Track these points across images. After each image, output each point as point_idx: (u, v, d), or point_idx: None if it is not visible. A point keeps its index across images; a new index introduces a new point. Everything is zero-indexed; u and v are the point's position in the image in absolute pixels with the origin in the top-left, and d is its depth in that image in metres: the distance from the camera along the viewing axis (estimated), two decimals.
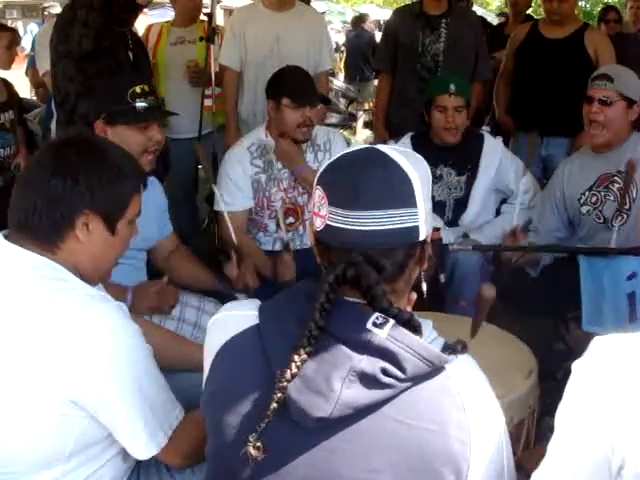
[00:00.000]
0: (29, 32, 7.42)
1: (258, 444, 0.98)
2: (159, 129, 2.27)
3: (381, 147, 1.12)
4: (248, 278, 2.55)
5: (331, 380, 0.97)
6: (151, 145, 2.25)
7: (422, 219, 1.08)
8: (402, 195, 1.07)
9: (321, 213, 1.09)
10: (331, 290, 1.03)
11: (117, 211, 1.47)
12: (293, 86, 2.88)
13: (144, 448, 1.41)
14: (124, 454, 1.49)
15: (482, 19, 4.96)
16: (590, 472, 1.07)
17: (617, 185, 2.75)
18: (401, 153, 1.11)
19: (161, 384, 1.46)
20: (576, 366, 1.10)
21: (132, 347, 1.39)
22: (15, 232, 1.42)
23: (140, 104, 2.21)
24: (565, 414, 1.10)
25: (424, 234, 1.10)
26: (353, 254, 1.05)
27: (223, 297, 2.63)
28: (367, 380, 0.98)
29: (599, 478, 1.07)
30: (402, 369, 0.98)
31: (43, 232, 1.41)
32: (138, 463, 1.56)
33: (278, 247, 3.07)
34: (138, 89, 2.22)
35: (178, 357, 1.81)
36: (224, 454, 1.07)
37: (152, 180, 2.46)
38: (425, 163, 1.15)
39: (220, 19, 7.38)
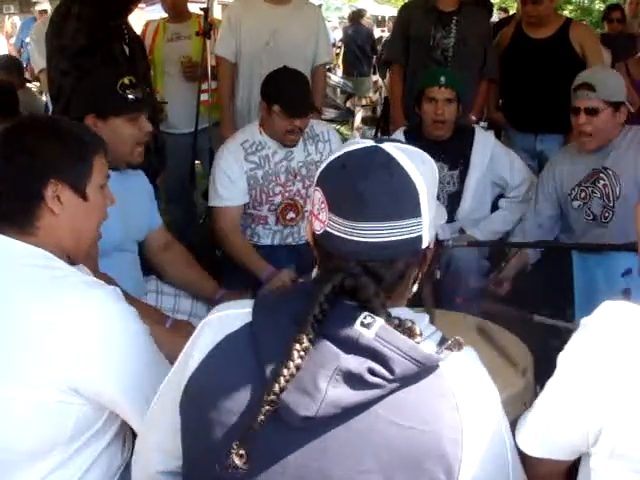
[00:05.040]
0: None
1: (241, 452, 0.96)
2: (147, 120, 2.29)
3: (387, 147, 1.06)
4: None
5: (317, 379, 0.96)
6: (142, 136, 2.28)
7: (426, 227, 1.06)
8: (407, 206, 1.04)
9: (321, 217, 1.06)
10: (326, 301, 1.01)
11: (82, 176, 1.47)
12: (286, 95, 2.78)
13: None
14: (122, 442, 1.49)
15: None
16: (566, 424, 1.12)
17: (602, 182, 2.75)
18: (407, 154, 1.06)
19: (162, 369, 1.40)
20: (584, 322, 1.12)
21: (129, 331, 1.38)
22: None
23: (130, 95, 2.22)
24: (565, 360, 1.14)
25: (427, 241, 1.08)
26: (352, 264, 1.03)
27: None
28: (353, 380, 0.96)
29: (572, 431, 1.11)
30: (390, 369, 0.96)
31: (17, 215, 1.41)
32: None
33: (277, 242, 3.06)
34: (127, 80, 2.24)
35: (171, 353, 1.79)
36: (209, 454, 1.04)
37: (137, 171, 2.46)
38: (432, 163, 1.11)
39: (217, 14, 7.35)
